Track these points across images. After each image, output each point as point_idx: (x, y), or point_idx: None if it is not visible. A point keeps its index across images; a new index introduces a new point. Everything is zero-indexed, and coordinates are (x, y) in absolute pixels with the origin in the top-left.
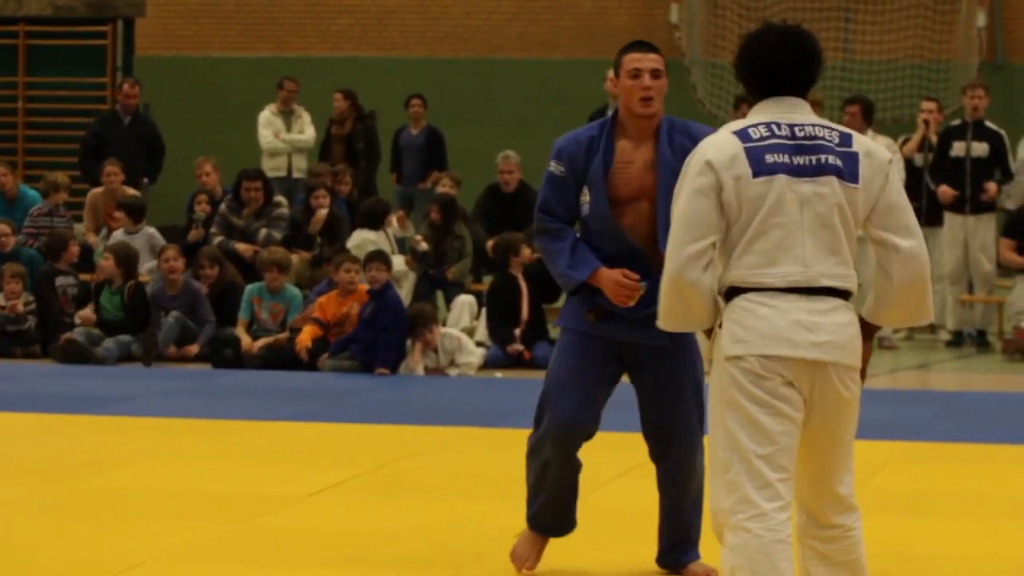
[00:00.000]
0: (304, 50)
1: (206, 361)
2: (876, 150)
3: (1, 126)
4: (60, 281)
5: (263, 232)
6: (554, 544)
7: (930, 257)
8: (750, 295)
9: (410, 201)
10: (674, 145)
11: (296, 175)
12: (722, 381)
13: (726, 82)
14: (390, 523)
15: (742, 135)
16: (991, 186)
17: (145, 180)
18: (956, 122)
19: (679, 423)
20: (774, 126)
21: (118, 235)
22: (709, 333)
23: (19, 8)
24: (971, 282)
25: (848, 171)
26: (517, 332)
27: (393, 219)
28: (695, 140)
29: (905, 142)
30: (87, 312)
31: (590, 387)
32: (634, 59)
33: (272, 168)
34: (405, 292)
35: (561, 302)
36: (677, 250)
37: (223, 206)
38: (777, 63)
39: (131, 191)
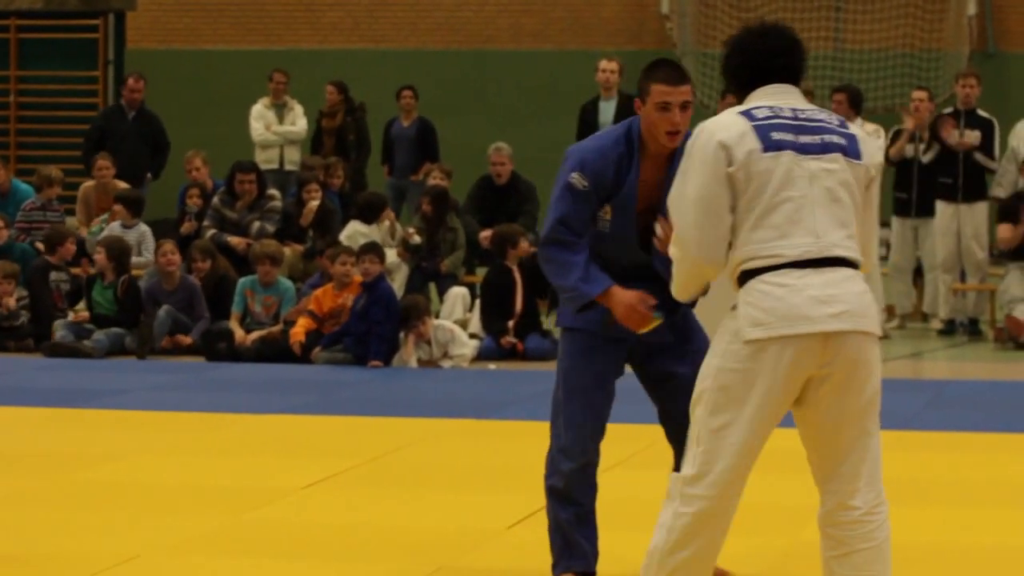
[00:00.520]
0: (295, 42)
1: (199, 354)
2: (869, 140)
3: None
4: (54, 276)
5: (256, 225)
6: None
7: (923, 246)
8: (765, 276)
9: (402, 193)
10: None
11: (288, 168)
12: (731, 363)
13: (717, 72)
14: (384, 515)
15: (748, 115)
16: (966, 137)
17: (148, 176)
18: (949, 110)
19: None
20: (777, 108)
21: (114, 228)
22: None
23: (10, 2)
24: (963, 270)
25: (852, 149)
26: (510, 324)
27: (385, 219)
28: None
29: (896, 132)
30: (82, 312)
31: (603, 407)
32: (664, 92)
33: (264, 161)
34: (398, 284)
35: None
36: (700, 234)
37: (216, 199)
38: (765, 51)
39: (123, 185)
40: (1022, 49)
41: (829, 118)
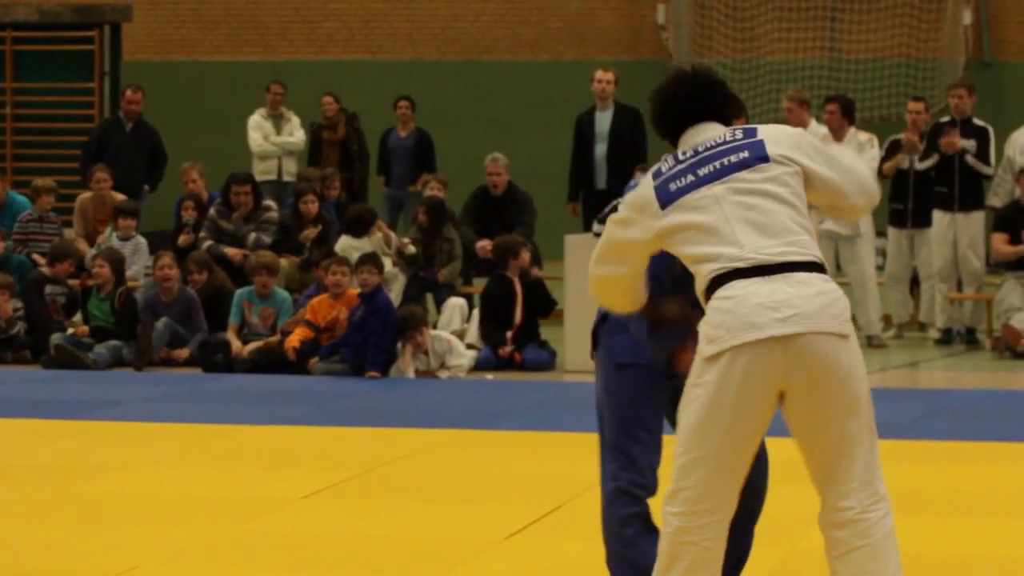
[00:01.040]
0: (291, 54)
1: (196, 365)
2: (784, 129)
3: None
4: (49, 289)
5: (252, 236)
6: (554, 541)
7: (919, 256)
8: (716, 293)
9: (400, 204)
10: None
11: (287, 178)
12: (693, 379)
13: None
14: (382, 526)
15: (655, 173)
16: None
17: (146, 188)
18: (945, 119)
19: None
20: (679, 154)
21: (112, 240)
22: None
23: (6, 14)
24: (960, 280)
25: (756, 156)
26: (509, 335)
27: (377, 232)
28: None
29: (892, 143)
30: (81, 326)
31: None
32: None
33: (263, 172)
34: (395, 294)
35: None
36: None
37: (212, 210)
38: (679, 97)
39: (120, 197)
40: (1018, 58)
41: (731, 136)
